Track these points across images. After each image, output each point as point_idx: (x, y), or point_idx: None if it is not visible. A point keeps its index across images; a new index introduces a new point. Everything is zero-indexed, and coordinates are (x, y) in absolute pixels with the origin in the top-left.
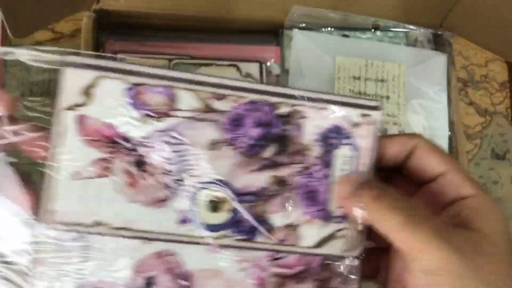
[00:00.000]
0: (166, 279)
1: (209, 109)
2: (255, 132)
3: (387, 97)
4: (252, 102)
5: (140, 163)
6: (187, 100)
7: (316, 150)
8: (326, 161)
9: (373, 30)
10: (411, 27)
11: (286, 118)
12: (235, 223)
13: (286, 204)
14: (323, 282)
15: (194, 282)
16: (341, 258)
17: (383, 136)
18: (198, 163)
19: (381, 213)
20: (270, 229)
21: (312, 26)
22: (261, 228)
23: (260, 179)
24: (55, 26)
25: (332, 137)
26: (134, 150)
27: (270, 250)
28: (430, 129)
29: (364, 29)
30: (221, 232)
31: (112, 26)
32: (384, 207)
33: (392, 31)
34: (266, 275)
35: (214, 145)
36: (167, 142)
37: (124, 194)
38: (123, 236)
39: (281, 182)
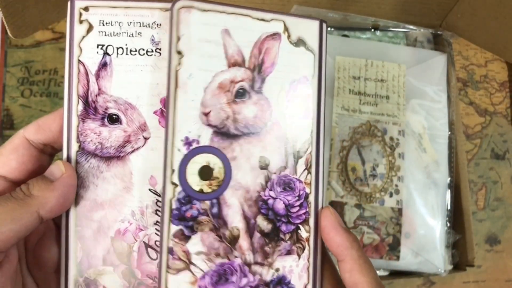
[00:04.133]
0: None
1: None
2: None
3: (387, 97)
4: None
5: None
6: None
7: None
8: None
9: (373, 30)
10: (411, 27)
11: None
12: None
13: None
14: None
15: None
16: None
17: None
18: None
19: None
20: None
21: None
22: None
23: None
24: (55, 26)
25: None
26: None
27: None
28: (430, 129)
29: (364, 29)
30: None
31: None
32: None
33: (392, 31)
34: None
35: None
36: None
37: None
38: None
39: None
